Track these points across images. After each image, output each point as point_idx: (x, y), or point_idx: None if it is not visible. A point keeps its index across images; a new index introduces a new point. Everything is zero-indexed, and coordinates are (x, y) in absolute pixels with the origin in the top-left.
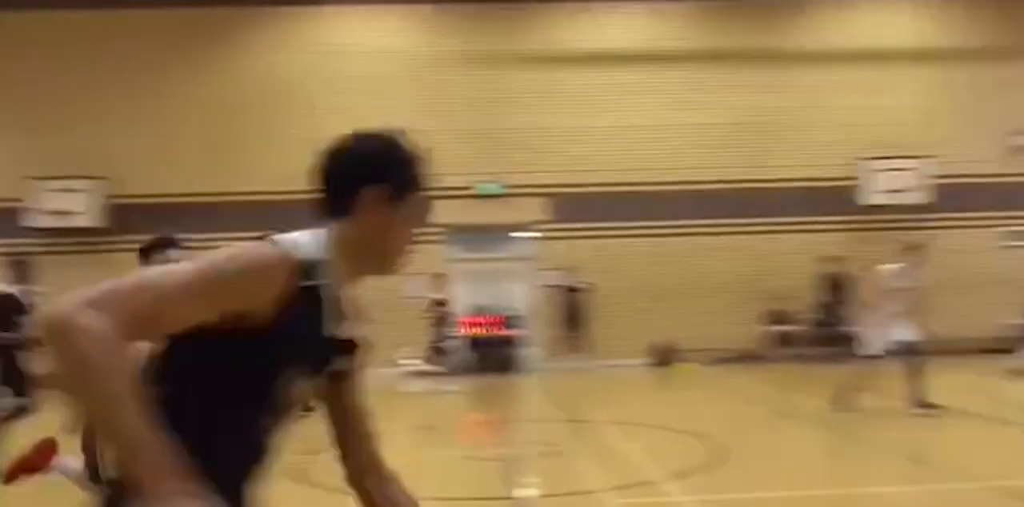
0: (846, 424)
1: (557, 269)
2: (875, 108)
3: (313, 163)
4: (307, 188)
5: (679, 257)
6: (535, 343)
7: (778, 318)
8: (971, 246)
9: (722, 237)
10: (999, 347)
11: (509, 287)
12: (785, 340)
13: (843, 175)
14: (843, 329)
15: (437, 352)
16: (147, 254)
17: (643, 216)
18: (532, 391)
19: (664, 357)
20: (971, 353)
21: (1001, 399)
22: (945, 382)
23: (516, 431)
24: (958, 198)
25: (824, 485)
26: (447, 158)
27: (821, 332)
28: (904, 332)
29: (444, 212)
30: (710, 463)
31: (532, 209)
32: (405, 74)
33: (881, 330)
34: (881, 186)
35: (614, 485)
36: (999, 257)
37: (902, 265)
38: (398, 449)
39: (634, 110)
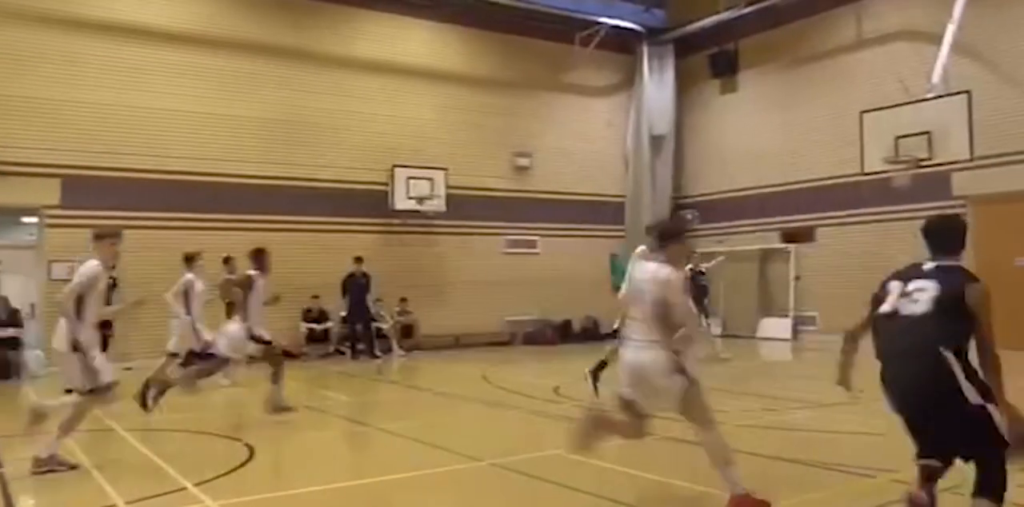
0: (370, 416)
1: (68, 261)
2: (402, 119)
3: None
4: None
5: (211, 253)
6: (39, 345)
7: (312, 316)
8: (479, 251)
9: (250, 233)
10: (500, 340)
11: (9, 279)
12: (319, 337)
13: (374, 179)
14: (366, 328)
15: None
16: None
17: (166, 206)
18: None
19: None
20: (480, 345)
21: (502, 386)
22: (457, 371)
23: (11, 447)
24: (469, 208)
25: (351, 477)
26: None
27: (349, 330)
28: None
29: None
30: (240, 465)
31: (38, 191)
32: None
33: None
34: (407, 193)
35: (137, 497)
36: (502, 261)
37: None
38: None
39: (169, 93)
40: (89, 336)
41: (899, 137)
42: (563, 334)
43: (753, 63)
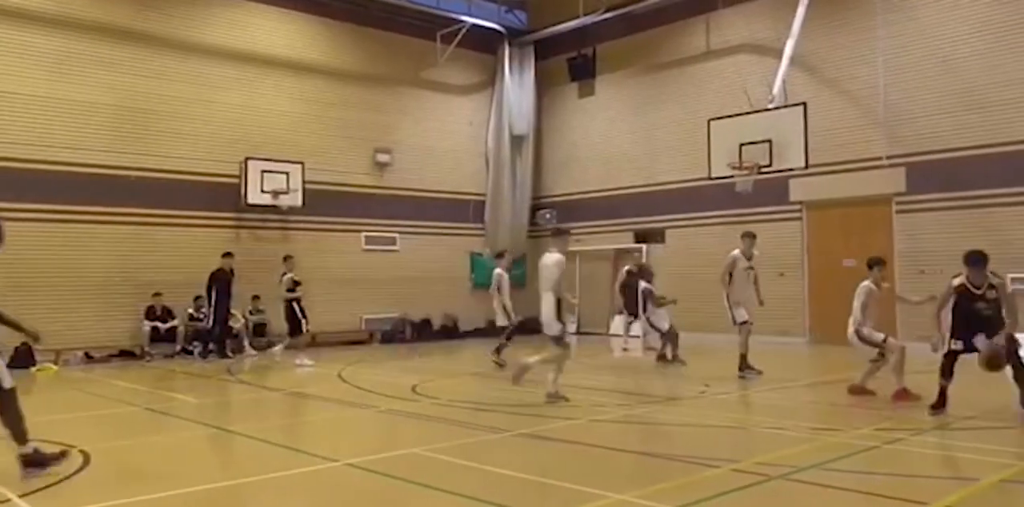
0: (220, 418)
1: None
2: (258, 110)
3: None
4: None
5: (42, 246)
6: None
7: (156, 315)
8: (337, 248)
9: (93, 226)
10: (358, 339)
11: None
12: (164, 337)
13: (228, 172)
14: (223, 327)
15: None
16: None
17: None
18: None
19: (17, 359)
20: (337, 344)
21: (358, 385)
22: (313, 370)
23: None
24: (327, 204)
25: (198, 482)
26: None
27: (200, 327)
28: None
29: None
30: (74, 472)
31: None
32: None
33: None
34: (262, 187)
35: None
36: (361, 259)
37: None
38: None
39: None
40: None
41: (743, 144)
42: (422, 332)
43: (610, 68)
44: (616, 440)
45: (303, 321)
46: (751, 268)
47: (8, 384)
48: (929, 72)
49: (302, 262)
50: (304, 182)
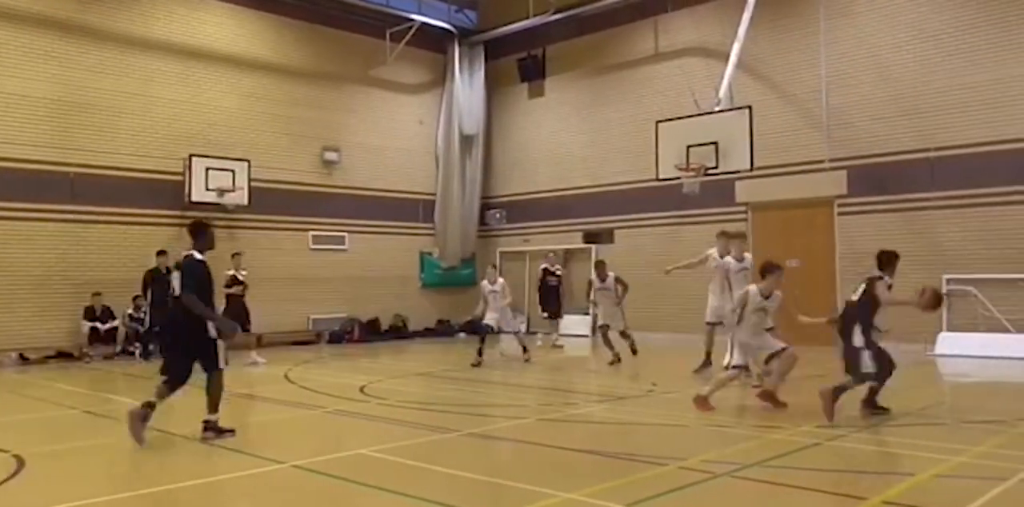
0: (163, 420)
1: None
2: (203, 106)
3: None
4: None
5: None
6: None
7: (95, 315)
8: (284, 247)
9: (28, 224)
10: (306, 339)
11: None
12: (103, 338)
13: (172, 169)
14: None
15: None
16: None
17: None
18: None
19: None
20: (284, 345)
21: (305, 386)
22: (259, 371)
23: None
24: (274, 202)
25: (142, 485)
26: None
27: (138, 328)
28: None
29: None
30: (8, 478)
31: None
32: None
33: None
34: (207, 184)
35: None
36: (309, 258)
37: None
38: None
39: None
40: None
41: (690, 146)
42: (371, 332)
43: (560, 69)
44: (564, 439)
45: (245, 320)
46: (746, 269)
47: None
48: (867, 77)
49: (248, 261)
50: (250, 180)
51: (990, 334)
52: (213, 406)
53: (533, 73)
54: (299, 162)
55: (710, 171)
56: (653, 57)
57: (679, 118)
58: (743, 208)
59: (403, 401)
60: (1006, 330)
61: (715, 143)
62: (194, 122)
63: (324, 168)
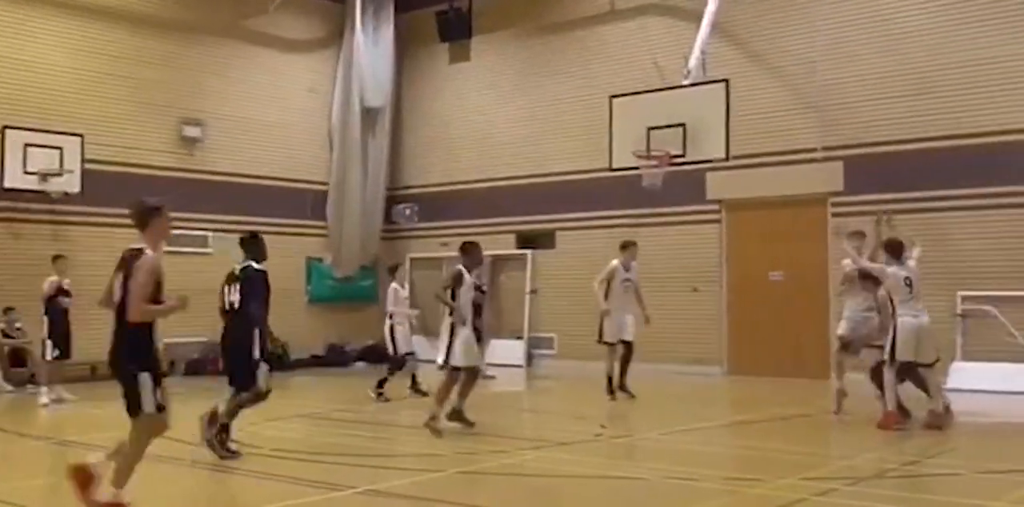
0: None
1: None
2: (20, 63)
3: None
4: None
5: None
6: None
7: None
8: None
9: None
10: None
11: None
12: None
13: None
14: None
15: None
16: None
17: None
18: None
19: None
20: None
21: None
22: (94, 412)
23: None
24: (115, 190)
25: None
26: None
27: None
28: None
29: None
30: None
31: None
32: None
33: None
34: (26, 166)
35: None
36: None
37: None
38: None
39: None
40: None
41: (652, 129)
42: None
43: (490, 27)
44: (490, 498)
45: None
46: (629, 281)
47: None
48: (870, 48)
49: (78, 267)
50: (84, 161)
51: (1013, 364)
52: (229, 414)
53: (456, 31)
54: (149, 139)
55: (676, 160)
56: (608, 15)
57: (638, 93)
58: (715, 206)
59: (282, 450)
60: None
61: (683, 125)
62: (10, 84)
63: (182, 147)
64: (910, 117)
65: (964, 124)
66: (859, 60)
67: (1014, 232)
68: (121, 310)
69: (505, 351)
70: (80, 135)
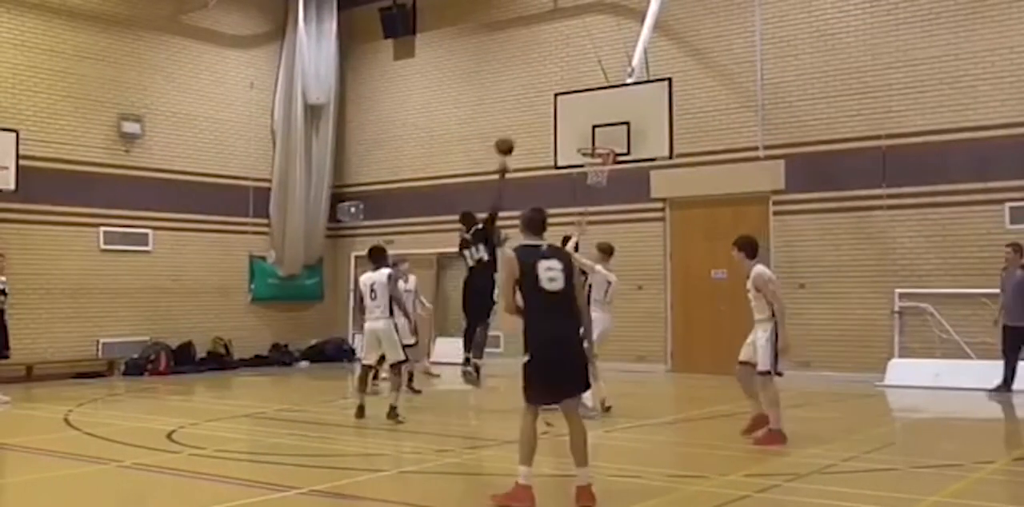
0: None
1: None
2: None
3: None
4: None
5: None
6: None
7: None
8: (67, 247)
9: None
10: (94, 370)
11: None
12: None
13: None
14: None
15: None
16: None
17: None
18: None
19: None
20: (64, 378)
21: (93, 432)
22: (28, 415)
23: None
24: (51, 187)
25: None
26: None
27: None
28: None
29: None
30: None
31: None
32: None
33: None
34: None
35: None
36: (99, 263)
37: None
38: None
39: None
40: None
41: (596, 126)
42: (182, 361)
43: (435, 24)
44: (435, 497)
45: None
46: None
47: None
48: (809, 47)
49: (13, 265)
50: (19, 157)
51: (948, 360)
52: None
53: (400, 27)
54: (87, 135)
55: (621, 158)
56: (551, 13)
57: (583, 91)
58: (660, 204)
59: (225, 450)
60: (966, 356)
61: (627, 123)
62: None
63: (121, 143)
64: (849, 116)
65: (902, 123)
66: (799, 58)
67: (950, 230)
68: None
69: (451, 350)
70: (15, 131)
